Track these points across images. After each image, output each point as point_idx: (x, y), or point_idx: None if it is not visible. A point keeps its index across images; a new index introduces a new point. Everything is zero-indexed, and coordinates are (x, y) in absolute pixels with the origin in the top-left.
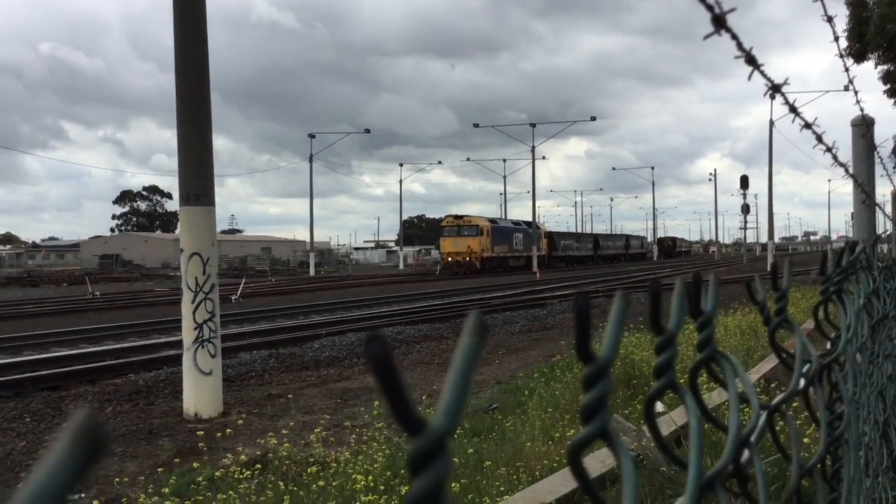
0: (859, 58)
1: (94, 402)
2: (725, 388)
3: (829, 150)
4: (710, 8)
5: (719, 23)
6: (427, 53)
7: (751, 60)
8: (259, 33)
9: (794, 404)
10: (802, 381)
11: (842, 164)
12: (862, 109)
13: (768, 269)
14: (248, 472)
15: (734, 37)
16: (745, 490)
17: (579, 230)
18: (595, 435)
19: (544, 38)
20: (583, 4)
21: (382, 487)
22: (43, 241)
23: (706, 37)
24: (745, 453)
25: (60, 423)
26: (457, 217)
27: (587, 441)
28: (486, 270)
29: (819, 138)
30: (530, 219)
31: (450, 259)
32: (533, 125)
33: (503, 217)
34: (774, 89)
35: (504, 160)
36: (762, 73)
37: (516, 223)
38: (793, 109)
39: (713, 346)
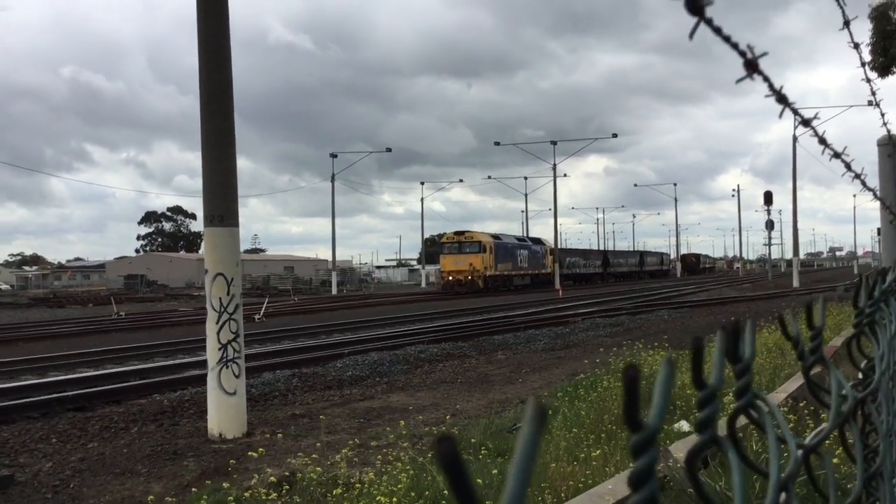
0: (883, 72)
1: (120, 422)
2: (762, 429)
3: (857, 177)
4: (742, 54)
5: (752, 68)
6: (442, 73)
7: (782, 99)
8: (276, 55)
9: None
10: (837, 418)
11: (870, 190)
12: (889, 130)
13: (794, 284)
14: (275, 494)
15: (766, 79)
16: None
17: (601, 248)
18: (647, 503)
19: (559, 56)
20: (596, 23)
21: None
22: (69, 262)
23: (738, 80)
24: (782, 496)
25: (86, 444)
26: (458, 233)
27: None
28: (489, 289)
29: (848, 167)
30: (552, 236)
31: (450, 278)
32: (554, 143)
33: (524, 232)
34: (805, 124)
35: (525, 178)
36: (794, 110)
37: (521, 239)
38: (822, 141)
39: (751, 393)
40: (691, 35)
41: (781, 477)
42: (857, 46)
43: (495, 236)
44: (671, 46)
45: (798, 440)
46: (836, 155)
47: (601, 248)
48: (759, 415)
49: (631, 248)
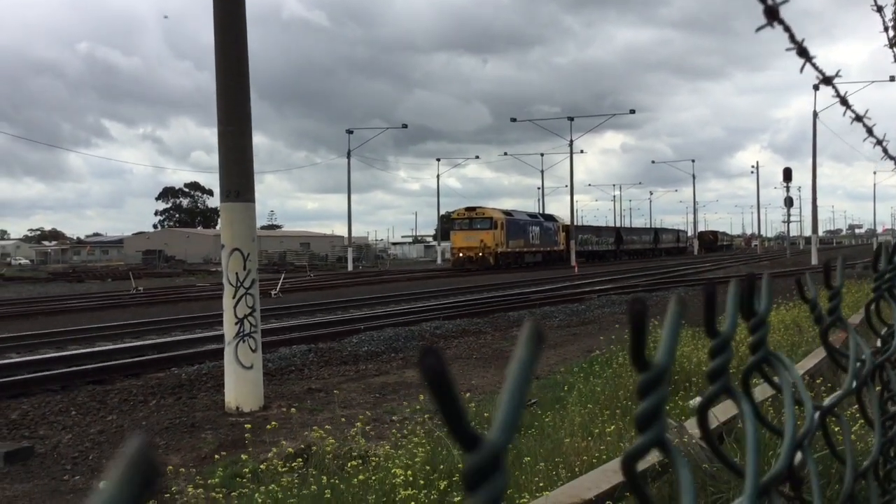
0: None
1: (139, 395)
2: (777, 389)
3: (879, 143)
4: (762, 0)
5: (772, 15)
6: (458, 49)
7: (802, 52)
8: (291, 31)
9: (844, 402)
10: (855, 381)
11: (892, 157)
12: None
13: (813, 262)
14: (291, 465)
15: (787, 28)
16: (798, 494)
17: (620, 225)
18: (652, 444)
19: (576, 32)
20: None
21: (422, 482)
22: (87, 237)
23: (758, 29)
24: (798, 455)
25: (105, 417)
26: (469, 209)
27: (643, 450)
28: (500, 267)
29: (870, 131)
30: (568, 213)
31: (461, 254)
32: (571, 119)
33: (540, 209)
34: (825, 81)
35: (542, 154)
36: (814, 65)
37: (533, 216)
38: (843, 102)
39: (766, 348)
40: None
41: (797, 435)
42: (880, 10)
43: (507, 212)
44: (690, 21)
45: (815, 402)
46: (858, 118)
47: (616, 224)
48: (774, 373)
49: (648, 226)
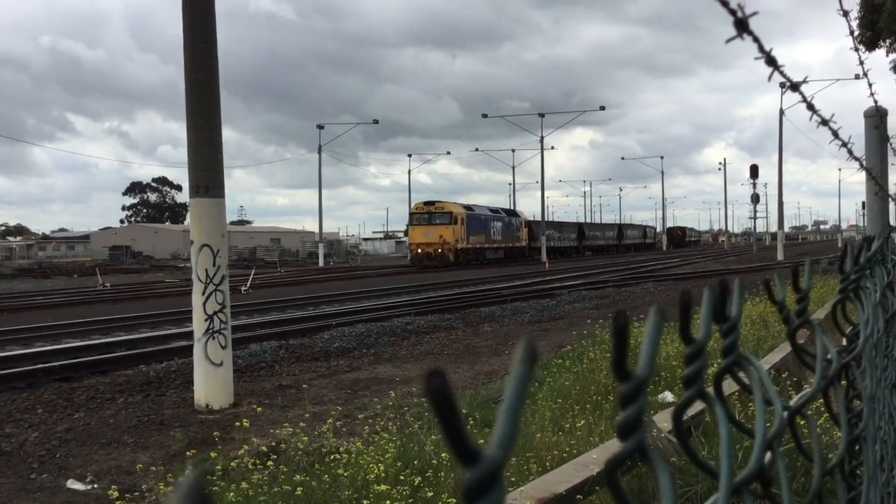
0: (870, 45)
1: (106, 392)
2: (747, 389)
3: (844, 145)
4: (732, 12)
5: (742, 27)
6: (427, 44)
7: (771, 62)
8: (258, 25)
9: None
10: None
11: (857, 159)
12: (876, 101)
13: (779, 258)
14: (261, 463)
15: (756, 40)
16: (767, 492)
17: (586, 220)
18: (632, 451)
19: (545, 28)
20: None
21: (399, 480)
22: (53, 232)
23: (728, 40)
24: (767, 455)
25: (72, 415)
26: (427, 203)
27: (625, 458)
28: (460, 264)
29: (836, 134)
30: (539, 209)
31: (419, 251)
32: (542, 115)
33: (511, 205)
34: (793, 88)
35: (513, 150)
36: (782, 73)
37: (495, 211)
38: (811, 107)
39: (738, 352)
40: None
41: (767, 437)
42: (846, 14)
43: (467, 207)
44: (657, 19)
45: (784, 402)
46: (825, 122)
47: (583, 220)
48: (746, 376)
49: (617, 221)
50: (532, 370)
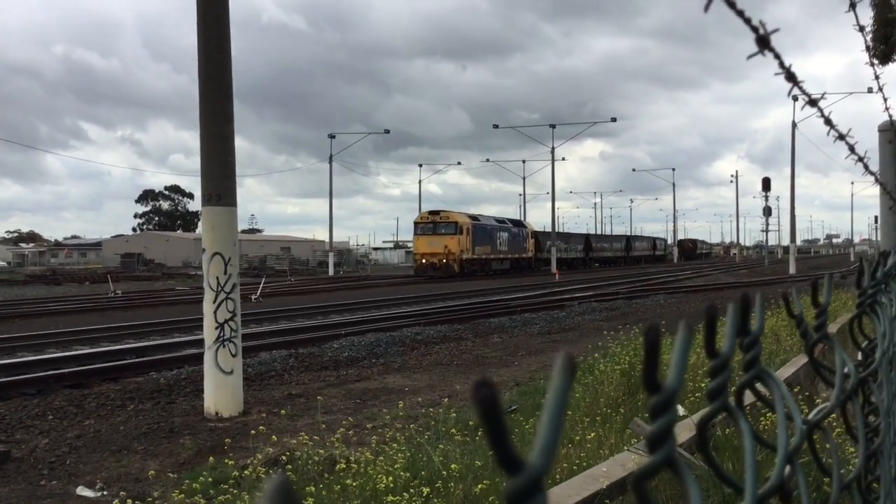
0: (884, 59)
1: (117, 399)
2: (768, 404)
3: (860, 159)
4: (755, 29)
5: (763, 43)
6: (436, 55)
7: (791, 77)
8: (269, 36)
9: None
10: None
11: (872, 173)
12: (890, 115)
13: (790, 271)
14: (272, 471)
15: (777, 56)
16: None
17: (596, 231)
18: (662, 464)
19: (555, 40)
20: (592, 7)
21: (408, 491)
22: (65, 239)
23: (750, 56)
24: (787, 468)
25: (82, 421)
26: (432, 212)
27: (655, 470)
28: (465, 274)
29: (852, 149)
30: (549, 220)
31: (423, 261)
32: (553, 126)
33: (522, 215)
34: (812, 103)
35: (524, 161)
36: (801, 89)
37: (501, 221)
38: (828, 122)
39: (759, 366)
40: (706, 8)
41: (788, 451)
42: (862, 29)
43: (473, 217)
44: (667, 32)
45: (803, 417)
46: (841, 137)
47: (591, 232)
48: (766, 388)
49: (621, 233)
50: (571, 381)
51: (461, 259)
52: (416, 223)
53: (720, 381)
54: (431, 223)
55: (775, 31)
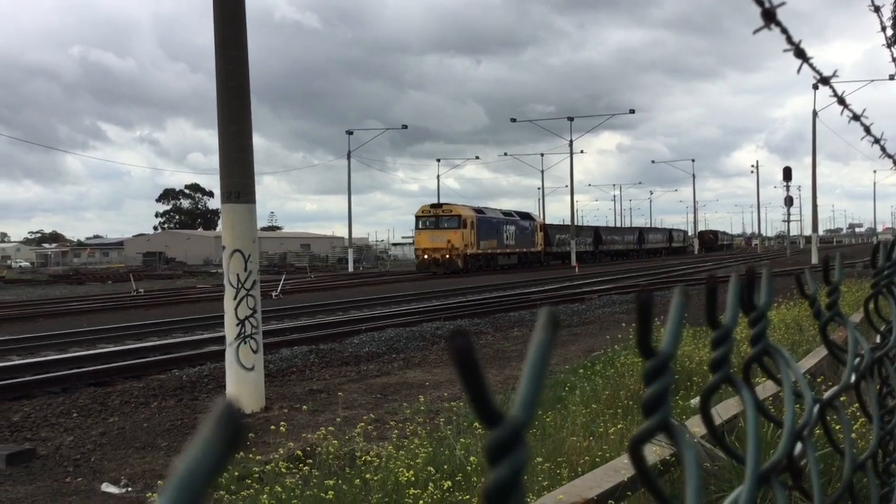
0: None
1: (140, 397)
2: (777, 382)
3: (877, 141)
4: (760, 2)
5: (769, 17)
6: (450, 50)
7: (800, 53)
8: (283, 33)
9: (843, 398)
10: (854, 376)
11: (890, 156)
12: None
13: (813, 261)
14: (294, 467)
15: (784, 30)
16: (798, 484)
17: (611, 224)
18: (657, 428)
19: (569, 32)
20: None
21: (430, 486)
22: (87, 239)
23: (756, 31)
24: (798, 447)
25: (106, 419)
26: (434, 206)
27: (650, 434)
28: (469, 270)
29: (867, 129)
30: (568, 213)
31: (426, 256)
32: (571, 119)
33: (540, 209)
34: (823, 81)
35: (542, 154)
36: (811, 65)
37: (508, 214)
38: (841, 101)
39: (766, 341)
40: None
41: (797, 427)
42: (877, 10)
43: (478, 210)
44: (682, 22)
45: (814, 395)
46: (856, 117)
47: (604, 224)
48: (773, 360)
49: (637, 225)
50: (553, 336)
51: (465, 254)
52: (417, 217)
53: (722, 351)
54: (433, 216)
55: (781, 4)
